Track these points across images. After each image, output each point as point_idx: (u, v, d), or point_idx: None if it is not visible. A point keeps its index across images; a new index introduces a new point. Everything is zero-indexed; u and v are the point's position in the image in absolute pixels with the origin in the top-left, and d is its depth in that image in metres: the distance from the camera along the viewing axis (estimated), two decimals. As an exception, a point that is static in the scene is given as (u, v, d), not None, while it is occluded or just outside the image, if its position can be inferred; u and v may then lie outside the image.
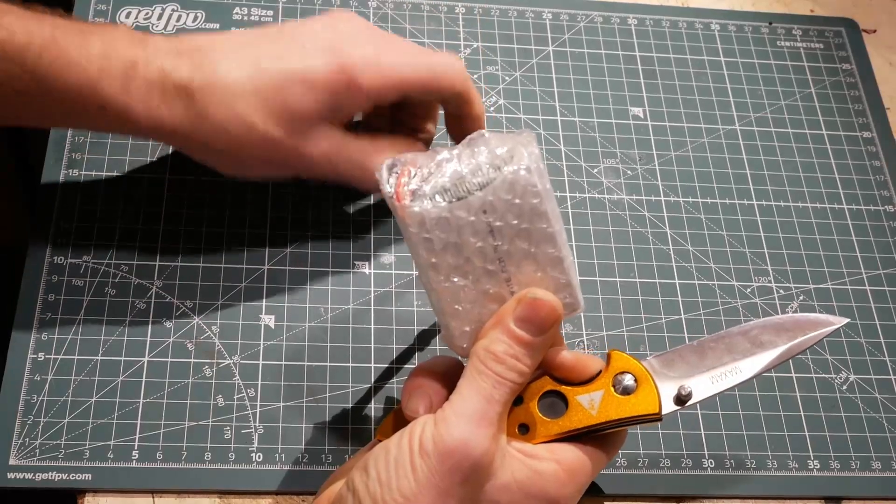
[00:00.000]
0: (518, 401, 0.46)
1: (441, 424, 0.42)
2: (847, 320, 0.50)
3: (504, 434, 0.45)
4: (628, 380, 0.46)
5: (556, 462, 0.45)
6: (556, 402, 0.46)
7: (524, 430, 0.46)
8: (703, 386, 0.47)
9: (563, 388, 0.46)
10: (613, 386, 0.46)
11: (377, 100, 0.53)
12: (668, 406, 0.47)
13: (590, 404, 0.46)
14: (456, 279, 0.45)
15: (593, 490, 0.54)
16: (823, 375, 0.60)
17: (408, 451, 0.42)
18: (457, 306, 0.46)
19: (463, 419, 0.42)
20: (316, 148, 0.53)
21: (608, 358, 0.47)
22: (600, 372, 0.47)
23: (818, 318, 0.49)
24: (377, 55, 0.53)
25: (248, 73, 0.51)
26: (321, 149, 0.53)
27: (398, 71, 0.53)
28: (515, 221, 0.44)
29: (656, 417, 0.46)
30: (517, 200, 0.44)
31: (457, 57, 0.57)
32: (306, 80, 0.51)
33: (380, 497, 0.42)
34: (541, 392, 0.46)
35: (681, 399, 0.47)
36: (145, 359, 0.55)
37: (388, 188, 0.45)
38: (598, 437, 0.46)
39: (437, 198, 0.44)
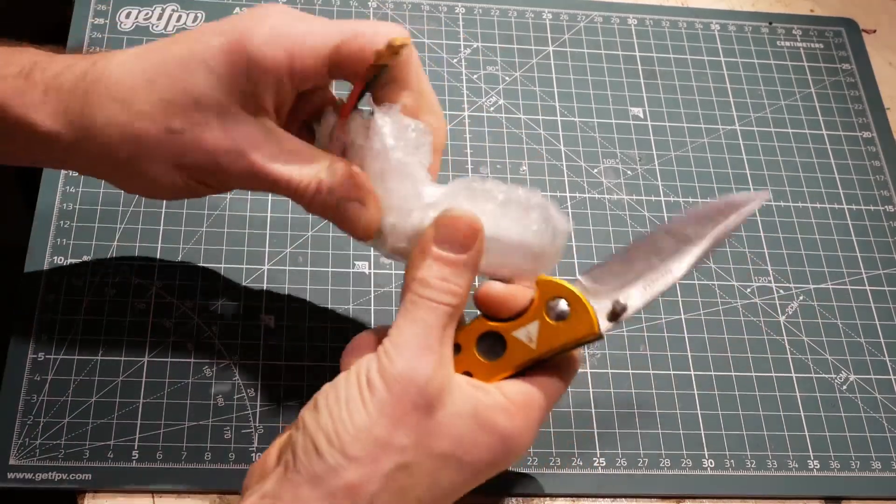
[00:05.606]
0: (456, 349, 0.45)
1: (383, 358, 0.42)
2: (768, 195, 0.49)
3: (451, 364, 0.44)
4: (561, 305, 0.45)
5: (504, 395, 0.44)
6: (495, 344, 0.46)
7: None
8: (637, 295, 0.46)
9: (498, 326, 0.45)
10: (546, 314, 0.45)
11: (292, 78, 0.46)
12: (605, 324, 0.46)
13: (528, 338, 0.45)
14: None
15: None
16: (823, 375, 0.60)
17: (356, 386, 0.42)
18: None
19: (403, 349, 0.42)
20: (226, 139, 0.45)
21: (536, 286, 0.46)
22: (532, 302, 0.46)
23: (737, 197, 0.48)
24: (284, 26, 0.45)
25: (142, 62, 0.46)
26: (232, 140, 0.45)
27: (309, 40, 0.45)
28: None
29: (596, 337, 0.46)
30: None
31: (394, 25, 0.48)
32: (200, 59, 0.45)
33: (332, 430, 0.41)
34: (477, 335, 0.46)
35: (616, 313, 0.46)
36: (145, 359, 0.55)
37: None
38: (546, 366, 0.46)
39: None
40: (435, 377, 0.42)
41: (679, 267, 0.47)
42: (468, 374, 0.45)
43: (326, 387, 0.43)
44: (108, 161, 0.47)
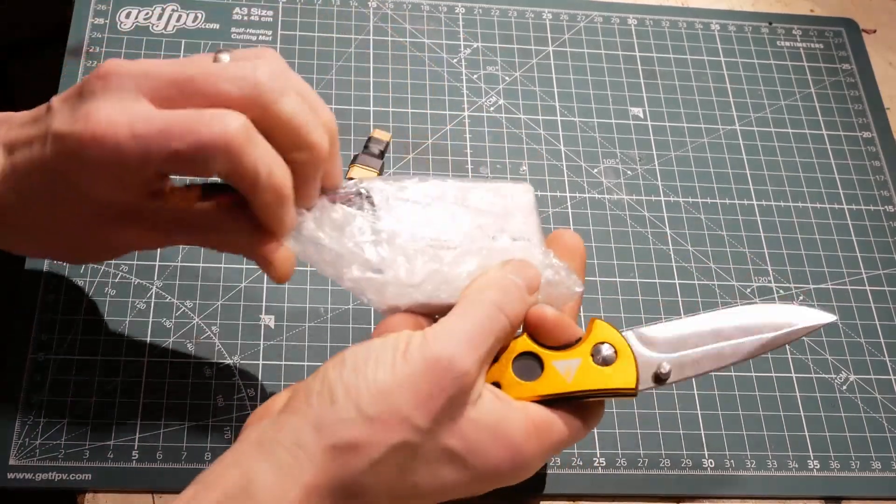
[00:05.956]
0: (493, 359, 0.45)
1: (428, 334, 0.42)
2: (835, 318, 0.50)
3: (485, 373, 0.44)
4: (607, 350, 0.45)
5: (526, 414, 0.44)
6: (532, 365, 0.45)
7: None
8: (683, 367, 0.47)
9: (541, 351, 0.45)
10: (592, 355, 0.45)
11: (126, 188, 0.44)
12: (646, 383, 0.46)
13: (566, 371, 0.45)
14: None
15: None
16: (823, 375, 0.60)
17: (391, 351, 0.41)
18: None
19: (451, 335, 0.42)
20: (125, 237, 0.47)
21: (590, 326, 0.46)
22: (580, 340, 0.46)
23: (807, 312, 0.49)
24: (109, 139, 0.42)
25: (14, 185, 0.46)
26: (130, 237, 0.47)
27: (133, 158, 0.42)
28: None
29: (631, 393, 0.46)
30: None
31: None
32: (45, 176, 0.44)
33: (353, 385, 0.40)
34: (517, 353, 0.45)
35: (659, 377, 0.46)
36: (145, 359, 0.55)
37: None
38: (573, 405, 0.46)
39: None
40: (471, 373, 0.42)
41: (732, 354, 0.47)
42: (497, 384, 0.45)
43: (356, 345, 0.43)
44: None
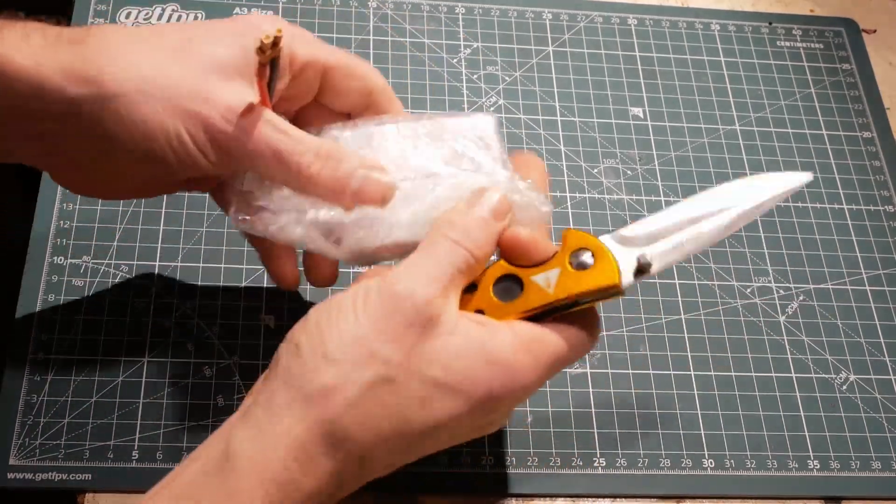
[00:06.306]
0: (471, 288, 0.45)
1: (388, 276, 0.42)
2: (810, 176, 0.48)
3: (457, 302, 0.43)
4: (585, 256, 0.45)
5: (512, 331, 0.43)
6: (512, 286, 0.45)
7: None
8: (665, 252, 0.45)
9: (518, 270, 0.45)
10: (570, 263, 0.45)
11: (304, 69, 0.49)
12: (630, 277, 0.45)
13: (546, 283, 0.44)
14: None
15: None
16: (823, 375, 0.60)
17: (351, 298, 0.42)
18: None
19: (410, 273, 0.42)
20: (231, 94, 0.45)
21: (563, 236, 0.45)
22: (555, 255, 0.45)
23: (782, 176, 0.48)
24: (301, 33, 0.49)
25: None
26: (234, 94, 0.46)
27: (323, 48, 0.50)
28: None
29: (617, 290, 0.44)
30: None
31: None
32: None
33: (317, 335, 0.41)
34: (495, 277, 0.45)
35: (641, 269, 0.45)
36: (145, 359, 0.55)
37: None
38: (565, 317, 0.45)
39: None
40: (435, 302, 0.41)
41: (711, 230, 0.46)
42: (480, 311, 0.44)
43: (320, 303, 0.43)
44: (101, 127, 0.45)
